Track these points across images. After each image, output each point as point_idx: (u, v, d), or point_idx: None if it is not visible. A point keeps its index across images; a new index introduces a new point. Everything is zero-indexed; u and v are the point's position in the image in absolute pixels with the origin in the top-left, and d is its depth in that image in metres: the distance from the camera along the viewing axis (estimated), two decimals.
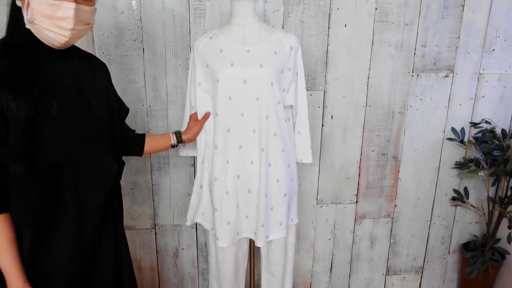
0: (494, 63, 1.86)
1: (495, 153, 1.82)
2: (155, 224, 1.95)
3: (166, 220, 1.94)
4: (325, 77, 1.80)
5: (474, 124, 1.93)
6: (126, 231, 1.88)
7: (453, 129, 1.93)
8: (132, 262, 1.96)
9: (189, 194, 1.86)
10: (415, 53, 1.81)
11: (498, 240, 2.03)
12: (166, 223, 1.95)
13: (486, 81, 1.89)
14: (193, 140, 1.46)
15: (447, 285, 2.19)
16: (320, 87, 1.82)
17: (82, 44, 1.67)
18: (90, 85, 1.14)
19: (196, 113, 1.45)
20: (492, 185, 1.96)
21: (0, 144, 0.96)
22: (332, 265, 2.10)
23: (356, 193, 1.99)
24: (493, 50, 1.85)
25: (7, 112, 0.95)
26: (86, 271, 1.14)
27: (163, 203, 1.92)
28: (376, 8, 1.75)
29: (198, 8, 1.68)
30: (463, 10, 1.78)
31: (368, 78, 1.83)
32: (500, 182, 1.97)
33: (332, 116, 1.86)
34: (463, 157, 1.98)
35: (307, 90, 1.76)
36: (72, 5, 0.99)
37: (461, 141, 1.93)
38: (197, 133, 1.44)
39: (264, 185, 1.40)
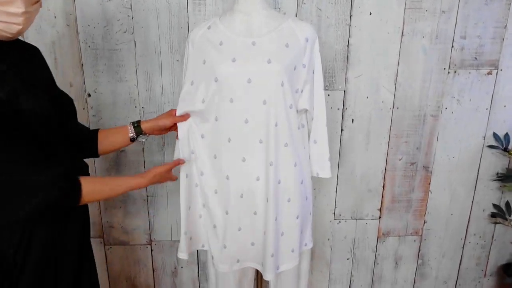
0: None
1: None
2: (151, 240, 1.78)
3: (163, 235, 1.78)
4: (346, 74, 1.60)
5: None
6: (118, 246, 1.80)
7: (495, 135, 1.71)
8: (126, 280, 1.81)
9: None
10: (452, 46, 1.59)
11: None
12: (163, 239, 1.78)
13: None
14: (157, 131, 1.21)
15: None
16: (340, 86, 1.62)
17: (64, 36, 1.47)
18: (33, 77, 0.93)
19: (174, 109, 1.22)
20: None
21: None
22: None
23: (379, 207, 1.79)
24: None
25: None
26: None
27: (159, 216, 1.75)
28: None
29: None
30: None
31: (396, 75, 1.62)
32: None
33: (353, 120, 1.66)
34: (506, 168, 1.75)
35: (325, 89, 1.56)
36: None
37: (505, 149, 1.70)
38: (164, 126, 1.20)
39: (273, 206, 1.17)
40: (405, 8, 1.53)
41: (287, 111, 1.14)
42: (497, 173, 1.76)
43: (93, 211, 1.66)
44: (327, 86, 1.60)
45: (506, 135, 1.69)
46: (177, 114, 1.20)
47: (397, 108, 1.65)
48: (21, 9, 0.81)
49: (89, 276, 1.08)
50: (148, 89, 1.57)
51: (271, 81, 1.11)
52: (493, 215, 1.81)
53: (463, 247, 1.87)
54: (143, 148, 1.62)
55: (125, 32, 1.50)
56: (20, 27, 0.84)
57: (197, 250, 1.78)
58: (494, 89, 1.65)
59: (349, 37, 1.56)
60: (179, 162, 1.18)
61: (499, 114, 1.68)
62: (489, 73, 1.63)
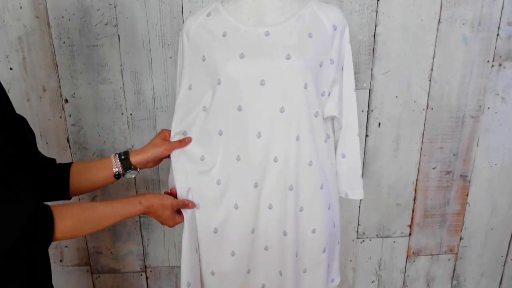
0: None
1: None
2: (145, 266, 1.59)
3: (159, 260, 1.59)
4: (372, 70, 1.41)
5: None
6: (108, 275, 1.56)
7: None
8: None
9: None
10: (498, 34, 1.39)
11: None
12: (160, 265, 1.59)
13: None
14: (151, 163, 0.96)
15: None
16: (364, 84, 1.42)
17: (33, 31, 1.24)
18: None
19: (168, 131, 0.98)
20: None
21: None
22: None
23: (409, 223, 1.61)
24: None
25: None
26: None
27: (154, 239, 1.55)
28: None
29: None
30: None
31: (431, 70, 1.42)
32: None
33: (379, 124, 1.47)
34: None
35: None
36: None
37: None
38: (160, 156, 0.95)
39: (293, 240, 0.94)
40: None
41: (311, 121, 0.90)
42: None
43: None
44: None
45: None
46: (172, 135, 0.96)
47: (432, 108, 1.46)
48: None
49: None
50: (137, 92, 1.35)
51: (291, 82, 0.87)
52: None
53: (504, 265, 1.69)
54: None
55: (106, 24, 1.28)
56: None
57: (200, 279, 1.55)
58: None
59: (375, 25, 1.35)
60: (189, 205, 0.93)
61: None
62: None
